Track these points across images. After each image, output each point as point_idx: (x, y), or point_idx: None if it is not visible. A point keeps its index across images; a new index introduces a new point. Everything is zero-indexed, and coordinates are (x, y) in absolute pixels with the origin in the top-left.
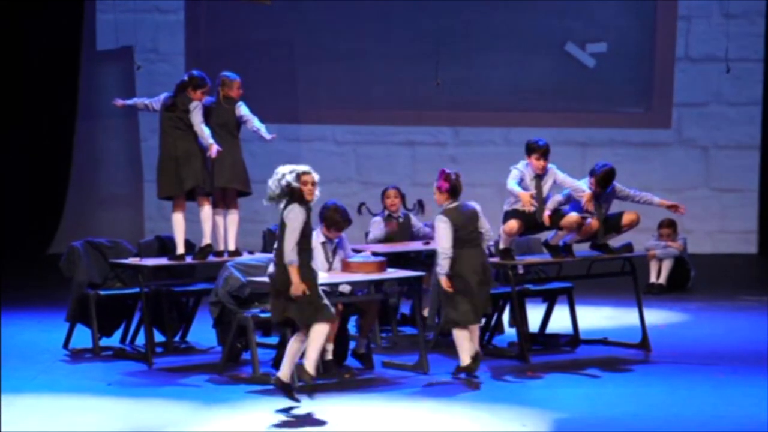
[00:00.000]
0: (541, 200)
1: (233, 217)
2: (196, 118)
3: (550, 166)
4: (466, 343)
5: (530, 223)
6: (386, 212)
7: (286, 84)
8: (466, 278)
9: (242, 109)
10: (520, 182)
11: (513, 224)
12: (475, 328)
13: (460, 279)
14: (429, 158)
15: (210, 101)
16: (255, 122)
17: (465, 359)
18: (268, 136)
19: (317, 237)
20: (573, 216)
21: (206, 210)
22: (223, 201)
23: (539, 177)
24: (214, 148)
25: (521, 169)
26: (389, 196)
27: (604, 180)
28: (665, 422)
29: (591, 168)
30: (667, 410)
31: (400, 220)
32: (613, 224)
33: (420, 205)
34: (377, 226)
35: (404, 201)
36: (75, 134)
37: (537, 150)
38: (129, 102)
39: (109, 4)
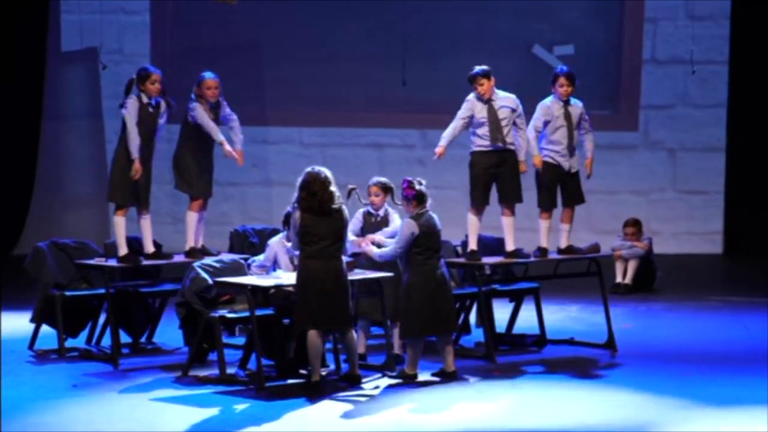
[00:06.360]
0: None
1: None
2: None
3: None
4: (417, 355)
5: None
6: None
7: (253, 86)
8: (428, 288)
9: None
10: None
11: None
12: (449, 340)
13: (423, 288)
14: (397, 161)
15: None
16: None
17: (412, 369)
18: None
19: (283, 238)
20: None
21: (147, 220)
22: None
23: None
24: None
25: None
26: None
27: (571, 76)
28: (630, 422)
29: (553, 74)
30: (632, 410)
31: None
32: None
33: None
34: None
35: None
36: (40, 135)
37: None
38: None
39: (74, 5)
